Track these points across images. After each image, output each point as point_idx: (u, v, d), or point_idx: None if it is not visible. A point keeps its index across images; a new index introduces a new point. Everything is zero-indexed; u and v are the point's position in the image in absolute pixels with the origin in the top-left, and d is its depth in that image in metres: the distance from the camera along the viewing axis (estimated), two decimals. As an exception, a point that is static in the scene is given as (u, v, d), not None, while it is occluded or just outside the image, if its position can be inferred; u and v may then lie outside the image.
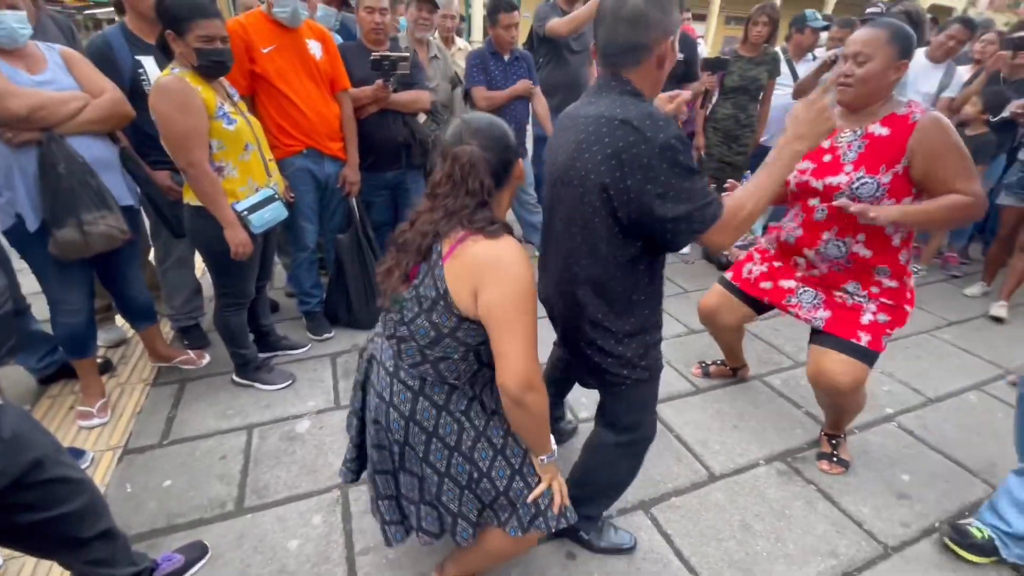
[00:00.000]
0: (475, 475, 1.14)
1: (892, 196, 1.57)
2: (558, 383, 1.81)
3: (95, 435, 1.98)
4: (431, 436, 1.12)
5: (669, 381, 2.44)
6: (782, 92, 3.57)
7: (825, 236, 1.72)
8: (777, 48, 3.55)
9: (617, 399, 1.41)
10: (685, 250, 3.94)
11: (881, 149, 1.56)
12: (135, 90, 1.98)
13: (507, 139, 1.08)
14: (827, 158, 1.66)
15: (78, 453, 1.83)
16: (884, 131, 1.56)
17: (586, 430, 2.09)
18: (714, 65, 3.32)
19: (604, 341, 1.28)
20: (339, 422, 2.07)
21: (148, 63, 2.05)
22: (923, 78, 3.31)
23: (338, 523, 1.65)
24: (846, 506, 1.80)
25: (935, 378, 2.57)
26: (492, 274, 1.00)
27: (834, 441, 1.99)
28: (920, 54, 3.36)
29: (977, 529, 1.61)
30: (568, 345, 1.44)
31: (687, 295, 3.32)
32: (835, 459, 1.95)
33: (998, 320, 3.15)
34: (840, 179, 1.62)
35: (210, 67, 1.75)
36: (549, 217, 1.35)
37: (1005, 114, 3.14)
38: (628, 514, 1.73)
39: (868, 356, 1.68)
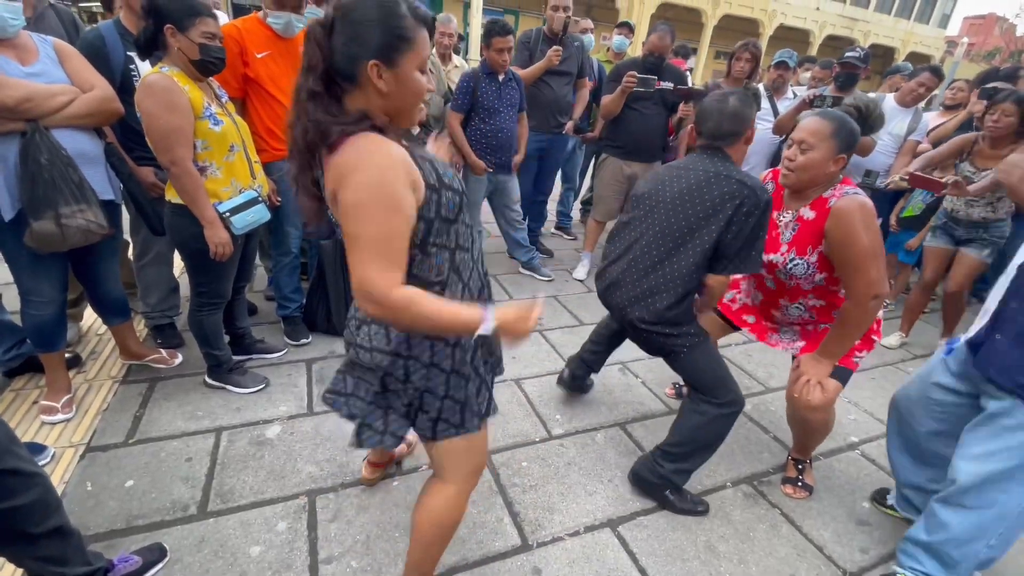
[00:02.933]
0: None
1: (823, 271, 1.70)
2: (608, 340, 2.23)
3: (58, 431, 1.93)
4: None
5: (643, 401, 2.47)
6: (762, 127, 3.70)
7: (782, 302, 1.88)
8: (759, 84, 3.69)
9: (686, 366, 1.77)
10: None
11: (808, 232, 1.68)
12: (125, 85, 1.99)
13: (366, 23, 0.89)
14: (772, 233, 1.78)
15: (39, 448, 1.78)
16: (811, 214, 1.67)
17: (552, 448, 2.11)
18: (686, 95, 3.45)
19: (670, 326, 1.70)
20: (310, 429, 2.06)
21: (140, 59, 2.06)
22: (893, 121, 3.47)
23: (303, 530, 1.63)
24: (808, 530, 1.84)
25: (899, 409, 2.65)
26: (341, 183, 0.91)
27: (800, 466, 2.03)
28: (890, 99, 3.53)
29: None
30: (633, 330, 1.79)
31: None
32: (800, 484, 1.99)
33: (889, 348, 3.27)
34: (777, 258, 1.75)
35: (211, 63, 1.78)
36: (642, 228, 1.74)
37: (888, 181, 3.16)
38: (596, 531, 1.74)
39: (840, 374, 1.75)
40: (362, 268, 0.91)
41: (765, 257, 1.80)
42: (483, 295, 1.19)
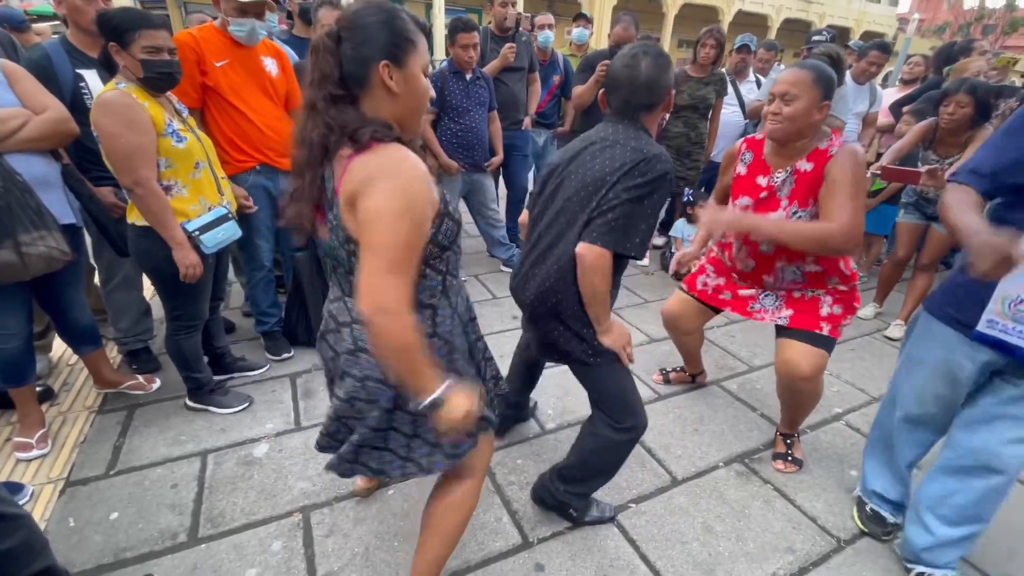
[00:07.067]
0: None
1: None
2: (523, 379, 2.02)
3: (34, 467, 1.86)
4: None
5: (631, 389, 2.48)
6: (728, 110, 3.76)
7: (778, 265, 1.86)
8: (723, 69, 3.75)
9: (595, 380, 1.58)
10: (645, 262, 4.05)
11: (808, 184, 1.69)
12: (76, 104, 1.92)
13: (373, 27, 0.94)
14: (764, 195, 1.79)
15: (16, 487, 1.71)
16: (809, 167, 1.69)
17: (551, 441, 2.11)
18: None
19: (577, 325, 1.48)
20: (299, 444, 2.02)
21: (90, 77, 1.99)
22: (856, 99, 3.56)
23: (299, 548, 1.60)
24: (801, 503, 1.87)
25: (878, 378, 2.72)
26: (366, 187, 0.90)
27: (788, 441, 2.07)
28: (848, 77, 3.61)
29: None
30: (541, 332, 1.58)
31: (647, 305, 3.40)
32: (790, 458, 2.03)
33: (894, 340, 3.15)
34: (779, 215, 1.75)
35: (157, 79, 1.71)
36: (544, 211, 1.52)
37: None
38: (595, 524, 1.74)
39: (828, 343, 1.80)
40: (380, 276, 0.89)
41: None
42: (472, 323, 1.24)
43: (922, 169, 2.51)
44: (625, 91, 1.40)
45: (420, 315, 1.07)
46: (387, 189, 0.90)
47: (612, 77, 1.43)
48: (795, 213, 1.73)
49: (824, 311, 1.83)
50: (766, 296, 1.96)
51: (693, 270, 2.20)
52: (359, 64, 0.94)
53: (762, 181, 1.80)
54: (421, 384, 0.96)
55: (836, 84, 1.63)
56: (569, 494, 1.67)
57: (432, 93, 1.06)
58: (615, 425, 1.57)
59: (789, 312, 1.90)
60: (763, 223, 1.67)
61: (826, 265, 1.81)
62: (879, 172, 2.70)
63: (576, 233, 1.39)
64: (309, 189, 1.00)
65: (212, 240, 1.87)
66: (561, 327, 1.50)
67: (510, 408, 2.09)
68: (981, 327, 1.32)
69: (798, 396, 1.91)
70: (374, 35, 0.94)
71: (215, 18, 2.22)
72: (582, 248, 1.36)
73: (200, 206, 1.87)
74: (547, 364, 2.05)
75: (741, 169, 1.89)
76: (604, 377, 1.55)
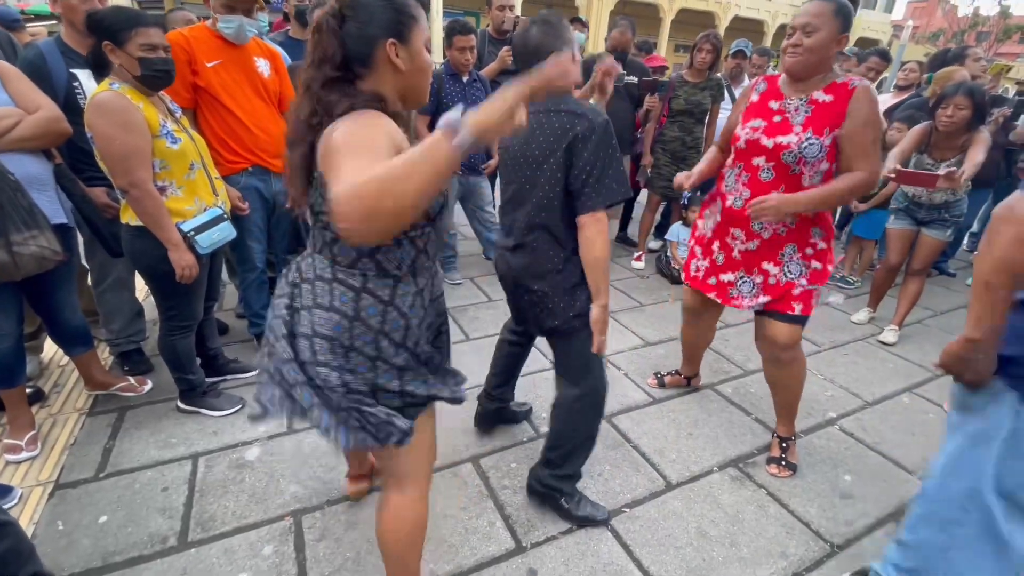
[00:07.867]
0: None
1: (829, 160, 1.71)
2: (506, 366, 2.05)
3: (24, 470, 1.84)
4: (378, 333, 1.03)
5: (626, 392, 2.48)
6: (724, 115, 3.77)
7: (773, 196, 1.77)
8: (719, 74, 3.76)
9: (568, 348, 1.66)
10: (640, 265, 4.06)
11: (825, 114, 1.68)
12: (70, 104, 1.91)
13: (376, 6, 0.95)
14: (777, 119, 1.76)
15: (5, 490, 1.70)
16: (828, 97, 1.68)
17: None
18: (650, 87, 3.49)
19: (555, 291, 1.57)
20: (291, 447, 2.00)
21: (84, 76, 1.99)
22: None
23: (290, 552, 1.59)
24: (795, 508, 1.87)
25: (872, 382, 2.73)
26: (331, 131, 0.89)
27: (784, 445, 2.07)
28: None
29: None
30: (523, 304, 1.67)
31: (642, 308, 3.41)
32: (784, 463, 2.03)
33: (887, 344, 3.16)
34: (790, 139, 1.72)
35: (155, 77, 1.70)
36: (509, 187, 1.62)
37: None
38: (589, 527, 1.73)
39: (801, 320, 1.87)
40: (338, 182, 0.77)
41: (773, 139, 1.74)
42: (437, 306, 1.18)
43: (940, 172, 2.51)
44: (521, 58, 1.51)
45: (380, 282, 1.03)
46: (347, 125, 0.89)
47: (512, 48, 1.57)
48: (808, 139, 1.69)
49: (797, 291, 1.84)
50: (744, 282, 1.95)
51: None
52: (364, 43, 0.95)
53: (774, 105, 1.78)
54: (440, 164, 0.80)
55: (852, 16, 1.65)
56: (555, 477, 1.72)
57: (434, 65, 1.06)
58: (577, 391, 1.66)
59: (766, 299, 1.90)
60: (802, 197, 1.70)
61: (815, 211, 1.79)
62: (893, 175, 2.70)
63: (548, 208, 1.51)
64: (297, 164, 1.01)
65: (207, 240, 1.86)
66: (545, 298, 1.59)
67: (492, 401, 2.09)
68: None
69: (781, 371, 1.95)
70: (378, 13, 0.95)
71: (206, 18, 2.21)
72: (582, 219, 1.47)
73: (196, 207, 1.86)
74: (544, 367, 2.04)
75: (754, 97, 1.86)
76: (575, 343, 1.63)
